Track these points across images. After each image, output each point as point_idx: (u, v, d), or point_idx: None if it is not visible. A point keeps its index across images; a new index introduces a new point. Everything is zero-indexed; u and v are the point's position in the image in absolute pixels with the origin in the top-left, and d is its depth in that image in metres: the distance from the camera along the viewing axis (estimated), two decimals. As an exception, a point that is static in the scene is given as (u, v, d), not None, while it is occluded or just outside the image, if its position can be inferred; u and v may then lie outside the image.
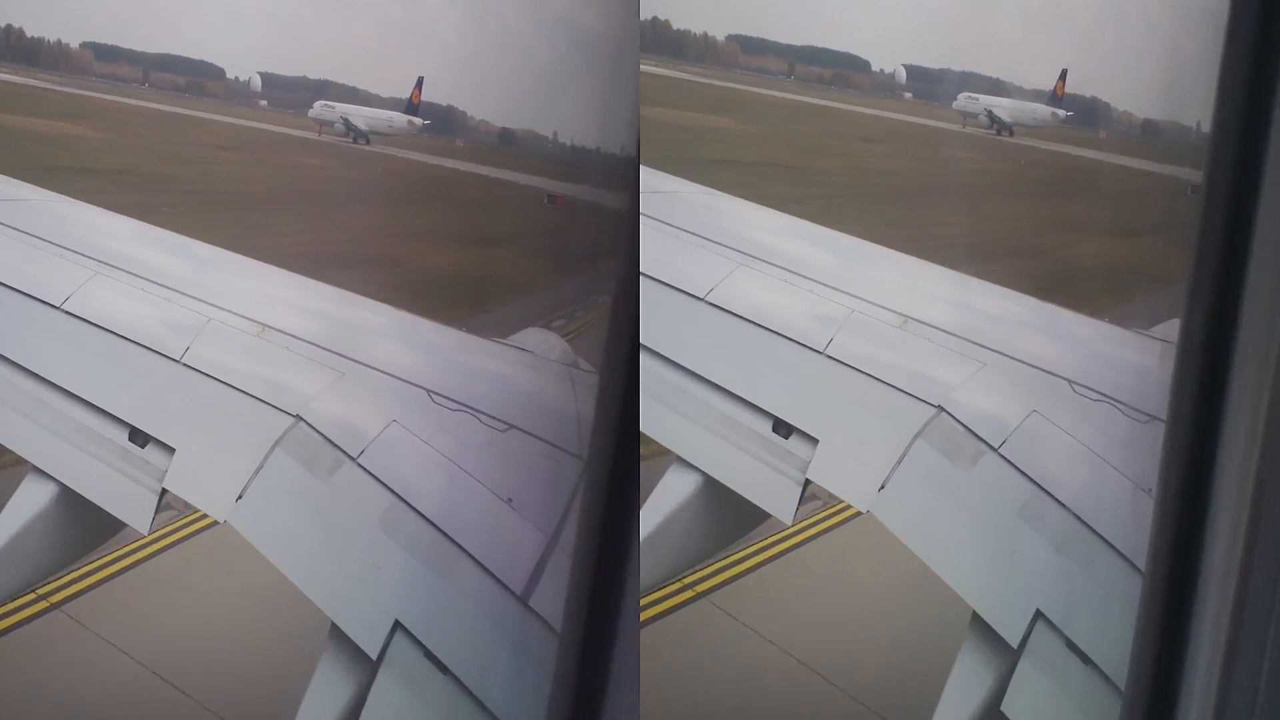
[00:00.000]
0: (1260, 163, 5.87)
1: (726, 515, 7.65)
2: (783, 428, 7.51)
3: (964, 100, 9.01)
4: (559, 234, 7.79)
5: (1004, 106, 9.13)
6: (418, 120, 7.94)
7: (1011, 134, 9.08)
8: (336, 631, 6.56)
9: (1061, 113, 8.66)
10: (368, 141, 8.27)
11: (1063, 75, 8.60)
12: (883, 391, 7.55)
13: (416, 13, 7.44)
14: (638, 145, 6.24)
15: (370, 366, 7.24)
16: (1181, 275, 6.02)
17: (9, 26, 8.22)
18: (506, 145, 7.72)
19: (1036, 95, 8.36)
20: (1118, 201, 8.50)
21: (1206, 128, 6.49)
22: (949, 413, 7.35)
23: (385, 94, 7.73)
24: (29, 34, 8.21)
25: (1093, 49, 7.80)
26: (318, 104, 8.14)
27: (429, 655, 6.45)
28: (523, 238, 7.98)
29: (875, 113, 9.59)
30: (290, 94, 7.88)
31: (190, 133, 8.71)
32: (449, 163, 7.96)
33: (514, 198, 7.96)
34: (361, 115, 8.25)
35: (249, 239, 8.09)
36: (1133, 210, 8.40)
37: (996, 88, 8.67)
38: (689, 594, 9.25)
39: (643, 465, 7.16)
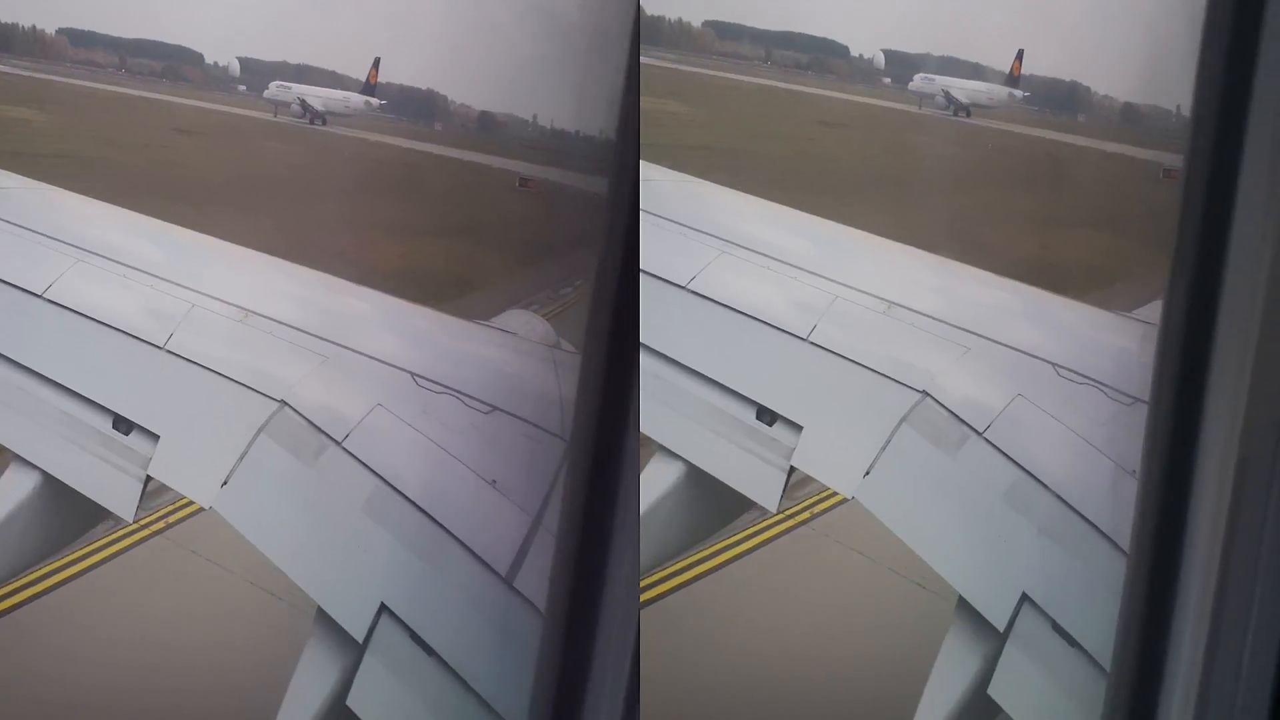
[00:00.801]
0: (1240, 145, 5.90)
1: (711, 504, 7.65)
2: (766, 415, 7.50)
3: (920, 81, 8.97)
4: (528, 221, 7.75)
5: (961, 87, 9.09)
6: (375, 100, 7.92)
7: (968, 114, 9.04)
8: (323, 615, 6.56)
9: (1019, 93, 8.64)
10: (324, 122, 8.23)
11: (1019, 55, 8.58)
12: (867, 377, 7.54)
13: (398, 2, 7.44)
14: (637, 132, 6.24)
15: (354, 350, 7.23)
16: (1144, 263, 6.06)
17: (-24, 14, 8.19)
18: (487, 131, 7.69)
19: (1012, 79, 8.34)
20: (1085, 189, 8.48)
21: (1186, 112, 6.53)
22: (933, 398, 7.35)
23: (391, 81, 7.71)
24: (1, 20, 8.16)
25: (1074, 34, 7.80)
26: (273, 84, 8.10)
27: (415, 638, 6.45)
28: (488, 226, 7.93)
29: (844, 97, 9.55)
30: (269, 80, 7.85)
31: (149, 117, 8.64)
32: (423, 146, 7.92)
33: (485, 182, 7.90)
34: (318, 96, 8.21)
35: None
36: (1100, 198, 8.39)
37: (977, 73, 8.66)
38: (677, 580, 9.24)
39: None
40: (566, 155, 7.31)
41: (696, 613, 9.19)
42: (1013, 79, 8.77)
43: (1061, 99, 8.22)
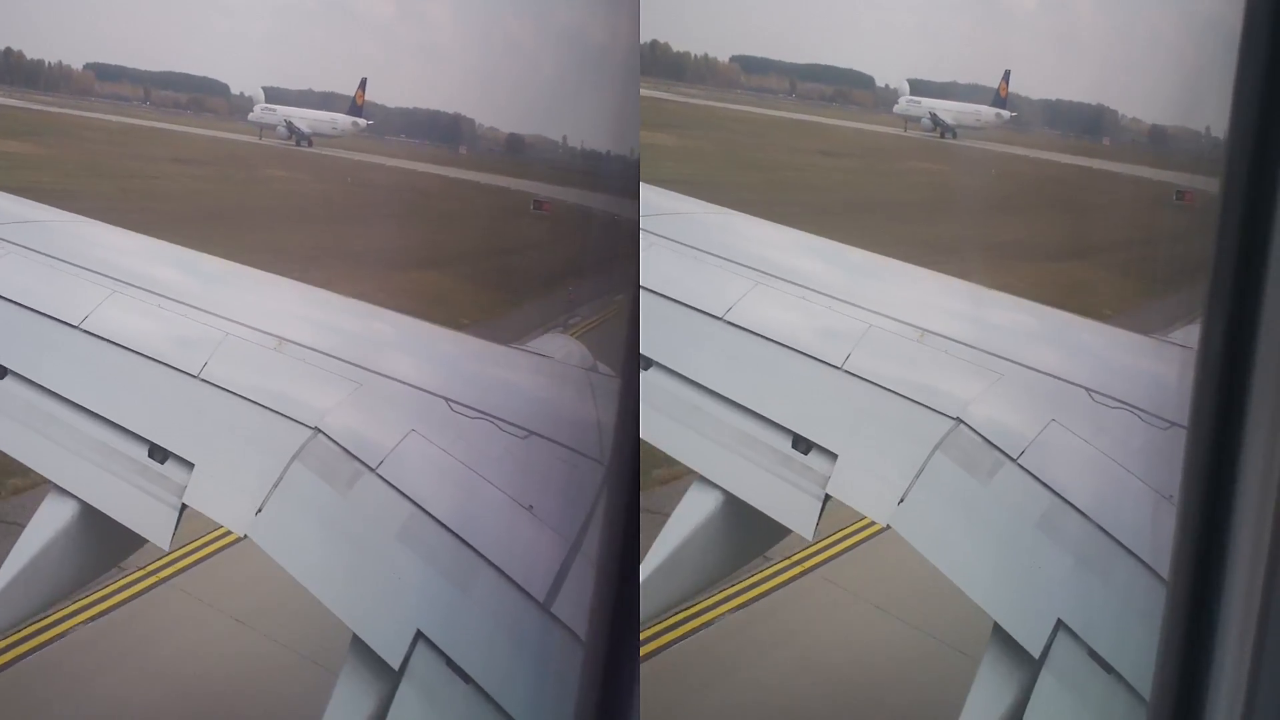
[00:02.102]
0: (1277, 164, 5.87)
1: (747, 532, 7.65)
2: (802, 444, 7.51)
3: (905, 104, 8.96)
4: (546, 245, 7.77)
5: (947, 109, 9.07)
6: (362, 121, 7.97)
7: (955, 136, 9.02)
8: (358, 643, 6.55)
9: (1006, 113, 8.62)
10: (310, 144, 8.25)
11: (1006, 76, 8.58)
12: (900, 405, 7.54)
13: (422, 28, 7.48)
14: (637, 163, 6.27)
15: (388, 376, 7.24)
16: (1144, 291, 6.03)
17: (8, 49, 8.24)
18: (514, 153, 7.71)
19: (1043, 105, 8.33)
20: (1088, 215, 8.44)
21: (1215, 133, 6.50)
22: (967, 424, 7.34)
23: (391, 104, 7.74)
24: (29, 56, 8.23)
25: (1099, 60, 7.80)
26: (258, 107, 8.14)
27: (451, 665, 6.43)
28: (493, 254, 7.93)
29: (857, 125, 9.54)
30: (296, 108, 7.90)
31: (149, 147, 8.67)
32: (438, 170, 7.93)
33: (499, 206, 7.91)
34: (305, 117, 8.23)
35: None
36: (1100, 226, 8.35)
37: (998, 100, 8.66)
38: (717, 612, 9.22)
39: (669, 487, 7.17)
40: (593, 177, 7.34)
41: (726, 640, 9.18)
42: (1000, 99, 8.75)
43: (1087, 121, 8.21)
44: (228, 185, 8.60)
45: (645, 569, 7.07)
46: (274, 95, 7.78)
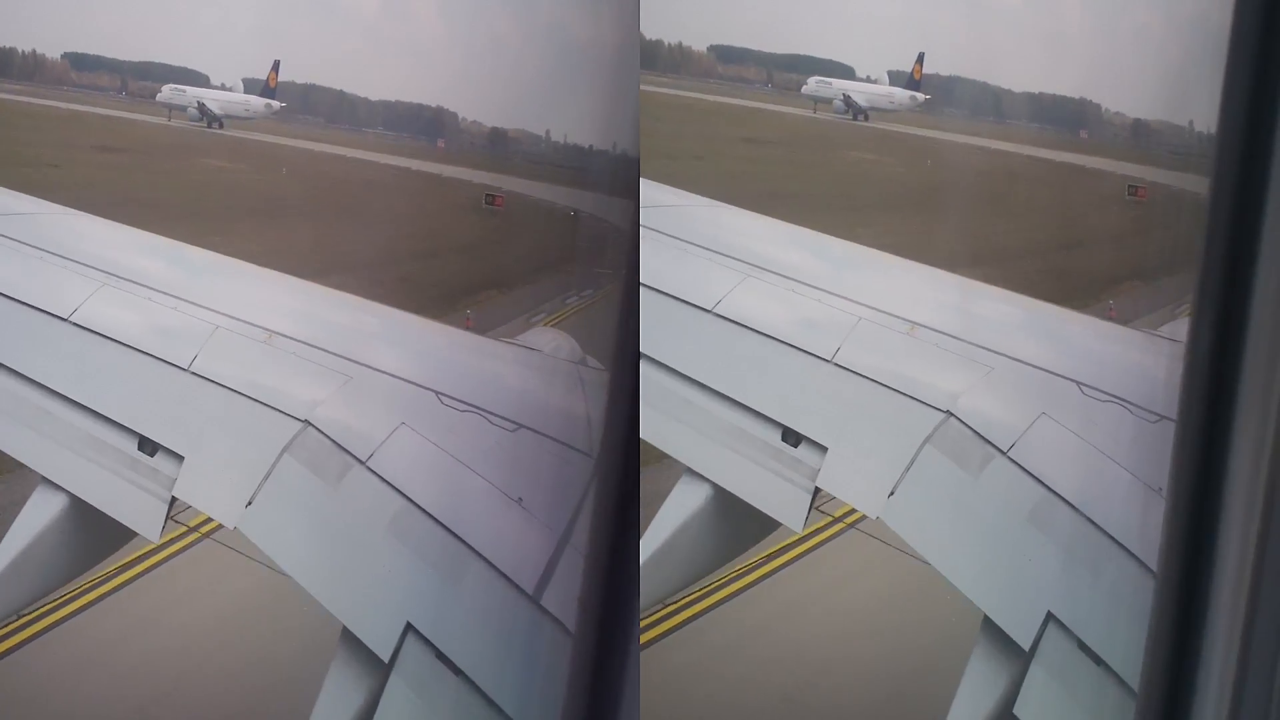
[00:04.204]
0: (1267, 158, 5.88)
1: (737, 525, 7.64)
2: (791, 436, 7.50)
3: (815, 85, 8.85)
4: (488, 244, 7.70)
5: (860, 91, 8.98)
6: (275, 103, 7.92)
7: (867, 118, 8.96)
8: (348, 635, 6.56)
9: (920, 96, 8.58)
10: (221, 125, 8.19)
11: (920, 58, 8.54)
12: (891, 398, 7.54)
13: (406, 23, 7.46)
14: (637, 156, 6.27)
15: (378, 370, 7.24)
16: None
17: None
18: (495, 147, 7.63)
19: (1029, 99, 8.30)
20: (1029, 209, 8.38)
21: (1200, 127, 6.51)
22: (958, 417, 7.34)
23: (374, 97, 7.70)
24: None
25: (1082, 56, 7.79)
26: (166, 88, 8.06)
27: (441, 657, 6.44)
28: (410, 258, 7.82)
29: (800, 113, 9.42)
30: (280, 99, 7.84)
31: (77, 135, 8.56)
32: (399, 162, 7.86)
33: (449, 200, 7.81)
34: (216, 99, 8.16)
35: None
36: (1039, 223, 8.30)
37: (912, 83, 8.60)
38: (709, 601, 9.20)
39: (650, 469, 7.16)
40: (583, 175, 7.32)
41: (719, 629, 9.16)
42: (914, 82, 8.70)
43: (1071, 116, 8.19)
44: (141, 174, 8.49)
45: (635, 562, 7.08)
46: (253, 87, 7.75)
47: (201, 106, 8.03)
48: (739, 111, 9.37)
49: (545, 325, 7.35)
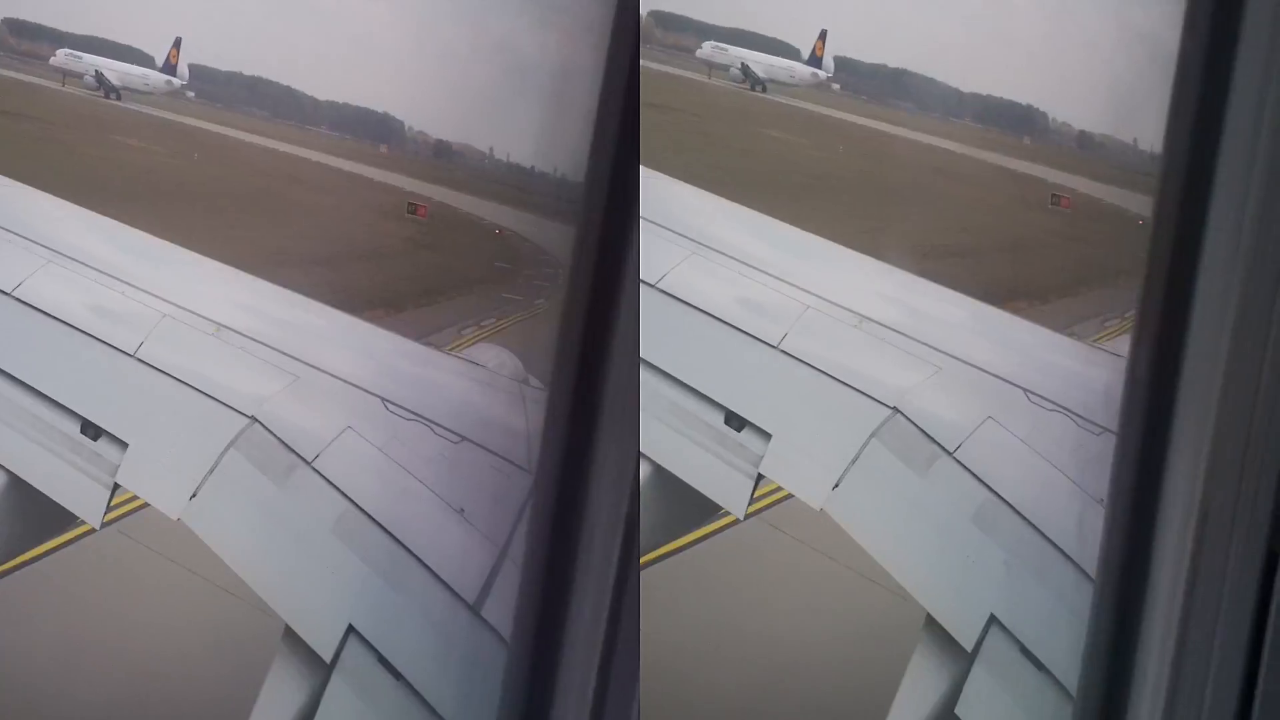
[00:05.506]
0: (1210, 178, 5.93)
1: (677, 506, 7.62)
2: (735, 420, 7.47)
3: (710, 50, 8.67)
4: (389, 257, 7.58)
5: (759, 61, 8.81)
6: (176, 80, 7.78)
7: (764, 90, 8.80)
8: (290, 634, 6.56)
9: (822, 73, 8.44)
10: (119, 97, 8.06)
11: (822, 35, 8.43)
12: (837, 390, 7.52)
13: (360, 19, 7.37)
14: (637, 141, 6.26)
15: (326, 372, 7.19)
16: None
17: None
18: (441, 156, 7.52)
19: (976, 99, 8.24)
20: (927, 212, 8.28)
21: (1144, 145, 6.58)
22: (904, 415, 7.35)
23: (322, 97, 7.60)
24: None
25: (1036, 55, 7.77)
26: (60, 52, 7.89)
27: (382, 660, 6.46)
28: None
29: (720, 85, 9.22)
30: (221, 88, 7.72)
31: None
32: (314, 155, 7.75)
33: (361, 205, 7.67)
34: (115, 70, 8.03)
35: None
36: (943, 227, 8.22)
37: (931, 86, 8.52)
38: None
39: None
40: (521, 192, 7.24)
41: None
42: (815, 58, 8.58)
43: (1017, 120, 8.14)
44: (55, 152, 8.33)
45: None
46: (200, 74, 7.64)
47: (99, 75, 7.87)
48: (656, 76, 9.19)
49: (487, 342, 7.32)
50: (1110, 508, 6.46)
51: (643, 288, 7.68)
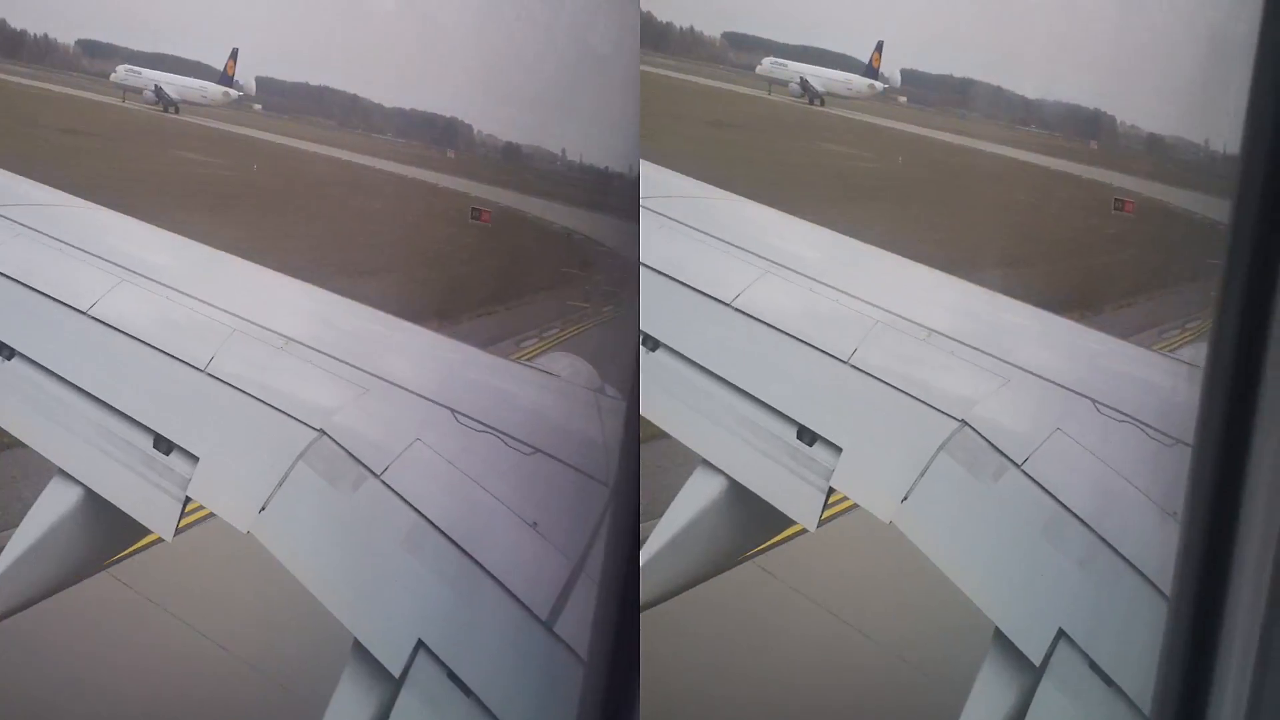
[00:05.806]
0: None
1: (750, 519, 7.65)
2: (807, 435, 7.50)
3: (770, 66, 8.75)
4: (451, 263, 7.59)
5: (816, 75, 8.87)
6: (233, 91, 7.86)
7: (822, 103, 8.83)
8: (359, 647, 6.58)
9: (879, 84, 8.46)
10: (178, 110, 8.14)
11: (879, 47, 8.44)
12: (906, 403, 7.52)
13: (423, 22, 7.40)
14: (638, 150, 6.24)
15: (394, 384, 7.22)
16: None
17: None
18: (509, 159, 7.55)
19: (1041, 105, 8.18)
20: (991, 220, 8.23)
21: (1215, 146, 6.47)
22: (972, 427, 7.32)
23: (389, 104, 7.65)
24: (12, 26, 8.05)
25: (1105, 59, 7.70)
26: (121, 68, 7.99)
27: (452, 676, 6.46)
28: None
29: (778, 99, 9.23)
30: (289, 100, 7.79)
31: (43, 114, 8.40)
32: (376, 162, 7.77)
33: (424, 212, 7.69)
34: (174, 83, 8.12)
35: None
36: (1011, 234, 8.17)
37: (870, 70, 8.49)
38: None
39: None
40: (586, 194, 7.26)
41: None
42: (872, 70, 8.61)
43: (1083, 125, 8.08)
44: (110, 163, 8.39)
45: (646, 553, 7.09)
46: (266, 85, 7.71)
47: (158, 90, 7.98)
48: (720, 94, 9.21)
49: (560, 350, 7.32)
50: (1186, 522, 6.36)
51: (716, 305, 7.78)
